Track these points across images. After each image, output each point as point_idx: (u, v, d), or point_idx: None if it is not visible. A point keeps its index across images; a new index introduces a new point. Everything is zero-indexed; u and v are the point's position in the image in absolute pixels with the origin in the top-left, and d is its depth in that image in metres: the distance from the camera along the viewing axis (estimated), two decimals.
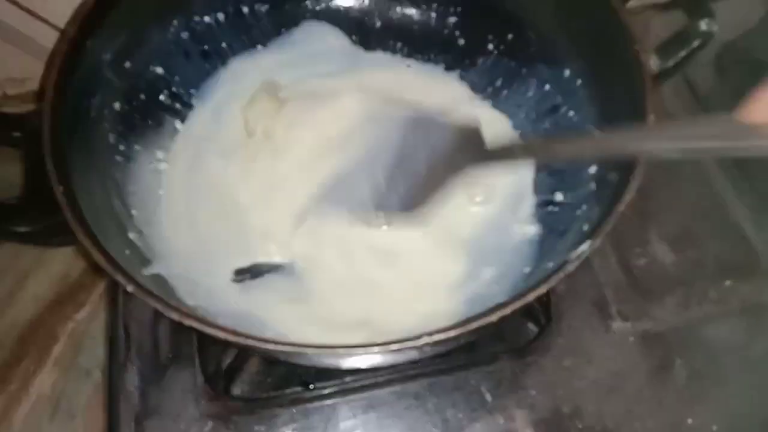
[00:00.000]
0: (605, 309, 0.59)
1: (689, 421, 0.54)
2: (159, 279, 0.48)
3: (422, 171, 0.52)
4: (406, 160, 0.53)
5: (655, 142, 0.41)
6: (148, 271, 0.47)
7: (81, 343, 0.68)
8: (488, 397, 0.55)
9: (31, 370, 0.66)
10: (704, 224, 0.64)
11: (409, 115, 0.55)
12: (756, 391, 0.55)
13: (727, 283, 0.60)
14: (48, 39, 0.65)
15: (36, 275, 0.71)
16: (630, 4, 0.52)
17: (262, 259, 0.55)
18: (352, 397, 0.54)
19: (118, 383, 0.55)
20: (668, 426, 0.54)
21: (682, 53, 0.49)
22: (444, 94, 0.63)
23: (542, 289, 0.40)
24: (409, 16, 0.65)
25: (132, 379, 0.55)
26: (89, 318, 0.69)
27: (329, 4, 0.65)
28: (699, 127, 0.39)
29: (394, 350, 0.38)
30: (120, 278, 0.39)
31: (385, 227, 0.55)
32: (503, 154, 0.51)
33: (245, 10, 0.61)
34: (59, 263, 0.71)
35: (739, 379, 0.56)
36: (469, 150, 0.51)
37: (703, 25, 0.49)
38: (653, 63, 0.48)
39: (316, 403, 0.54)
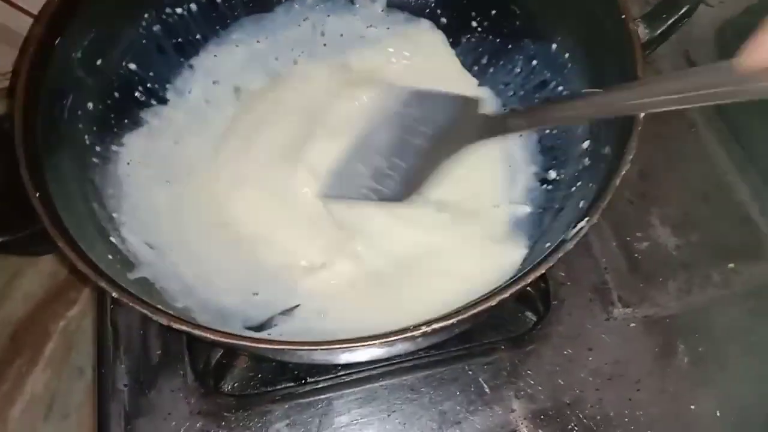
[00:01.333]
0: (606, 295, 0.58)
1: (692, 407, 0.53)
2: (145, 281, 0.47)
3: (424, 147, 0.51)
4: (406, 136, 0.52)
5: (653, 95, 0.40)
6: (133, 275, 0.46)
7: (73, 341, 0.67)
8: (486, 388, 0.54)
9: (24, 370, 0.65)
10: (707, 207, 0.62)
11: (408, 90, 0.54)
12: (760, 376, 0.54)
13: (731, 266, 0.59)
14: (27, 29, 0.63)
15: (26, 274, 0.70)
16: None
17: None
18: (346, 390, 0.53)
19: (108, 382, 0.54)
20: (671, 413, 0.53)
21: (671, 20, 0.48)
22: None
23: (541, 269, 0.39)
24: None
25: (121, 378, 0.54)
26: (81, 315, 0.68)
27: None
28: (696, 78, 0.39)
29: (395, 341, 0.37)
30: (104, 285, 0.38)
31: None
32: (503, 122, 0.50)
33: None
34: (49, 261, 0.70)
35: (743, 363, 0.55)
36: (470, 122, 0.51)
37: None
38: (641, 31, 0.47)
39: (310, 398, 0.53)
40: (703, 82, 0.38)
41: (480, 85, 0.62)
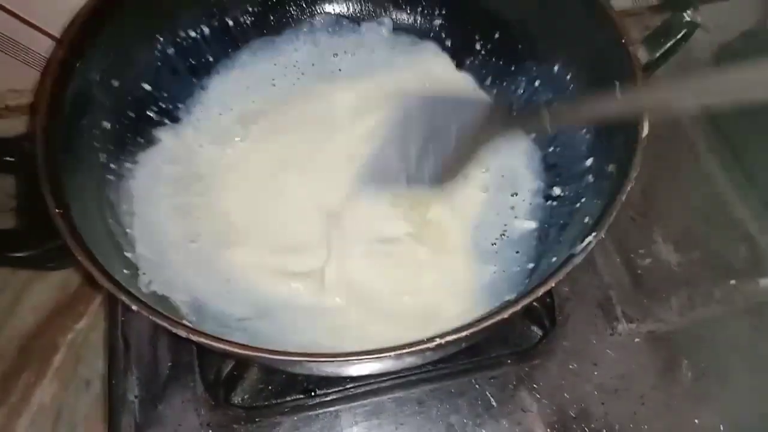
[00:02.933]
0: (610, 311, 0.59)
1: (696, 421, 0.54)
2: (158, 295, 0.48)
3: (451, 143, 0.53)
4: (435, 134, 0.54)
5: (679, 94, 0.40)
6: (147, 289, 0.47)
7: (81, 354, 0.67)
8: (493, 401, 0.54)
9: (31, 382, 0.66)
10: (708, 224, 0.63)
11: (437, 95, 0.56)
12: (762, 390, 0.55)
13: (732, 282, 0.60)
14: (48, 50, 0.65)
15: (35, 286, 0.70)
16: (620, 6, 0.52)
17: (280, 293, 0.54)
18: (354, 403, 0.54)
19: (118, 393, 0.55)
20: (675, 427, 0.54)
21: (668, 43, 0.50)
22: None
23: (551, 283, 0.40)
24: (396, 21, 0.65)
25: (132, 389, 0.55)
26: (89, 328, 0.68)
27: (315, 10, 0.65)
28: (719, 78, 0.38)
29: (407, 354, 0.38)
30: (124, 298, 0.39)
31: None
32: (528, 120, 0.51)
33: (230, 22, 0.61)
34: (58, 274, 0.70)
35: (745, 378, 0.56)
36: (495, 119, 0.52)
37: (687, 15, 0.49)
38: (641, 54, 0.48)
39: (319, 411, 0.54)
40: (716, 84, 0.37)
41: None
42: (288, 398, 0.54)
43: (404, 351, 0.38)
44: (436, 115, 0.54)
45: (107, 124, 0.53)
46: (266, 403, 0.54)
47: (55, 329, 0.68)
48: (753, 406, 0.54)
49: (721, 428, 0.53)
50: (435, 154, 0.53)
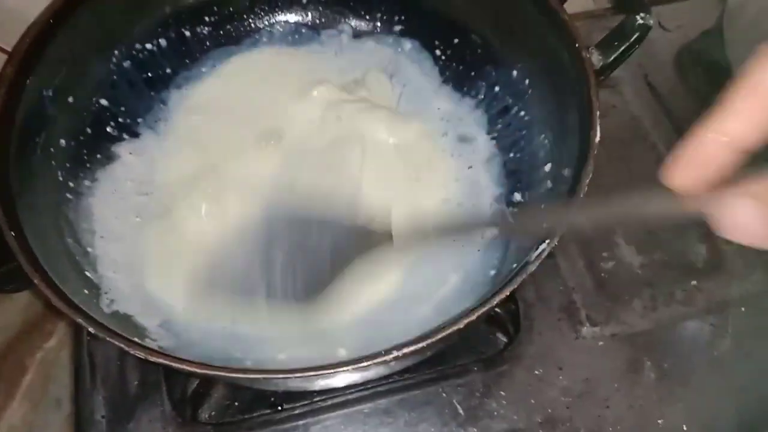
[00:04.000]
0: (574, 315, 0.59)
1: (660, 422, 0.55)
2: (120, 314, 0.48)
3: (323, 262, 0.48)
4: (305, 252, 0.49)
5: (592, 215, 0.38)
6: (109, 309, 0.47)
7: (50, 373, 0.67)
8: (460, 409, 0.55)
9: (0, 403, 0.65)
10: (669, 225, 0.64)
11: (313, 215, 0.50)
12: (724, 389, 0.56)
13: (693, 282, 0.61)
14: None
15: (1, 307, 0.69)
16: (571, 10, 0.53)
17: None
18: (322, 416, 0.54)
19: (85, 414, 0.54)
20: (640, 428, 0.55)
21: (622, 47, 0.50)
22: None
23: (506, 292, 0.40)
24: (355, 28, 0.66)
25: (99, 409, 0.54)
26: (58, 347, 0.68)
27: (272, 20, 0.65)
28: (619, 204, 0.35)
29: (367, 366, 0.38)
30: (80, 320, 0.39)
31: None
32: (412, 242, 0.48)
33: (187, 33, 0.61)
34: (25, 293, 0.70)
35: (708, 377, 0.56)
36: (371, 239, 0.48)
37: (639, 18, 0.50)
38: (595, 59, 0.49)
39: (287, 425, 0.54)
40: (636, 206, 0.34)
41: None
42: (255, 414, 0.54)
43: (362, 364, 0.38)
44: (309, 228, 0.49)
45: (63, 142, 0.52)
46: (233, 419, 0.54)
47: (24, 349, 0.68)
48: (715, 405, 0.55)
49: (685, 428, 0.54)
50: (303, 272, 0.48)
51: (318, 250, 0.48)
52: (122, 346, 0.38)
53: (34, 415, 0.65)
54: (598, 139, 0.44)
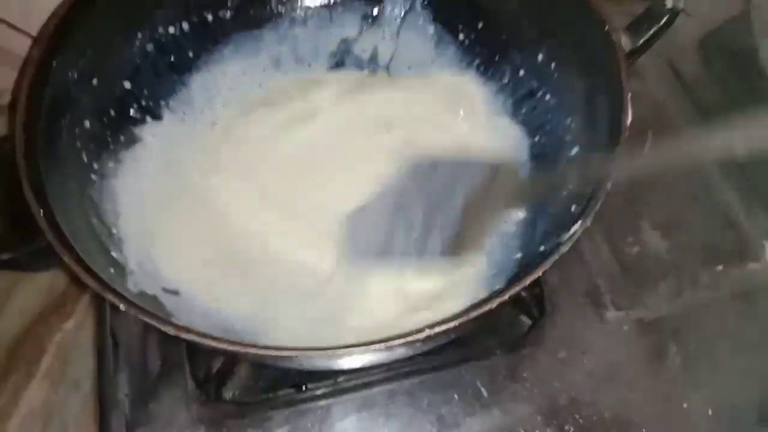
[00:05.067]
0: (599, 299, 0.59)
1: (685, 406, 0.54)
2: (146, 294, 0.48)
3: (459, 213, 0.51)
4: (442, 201, 0.51)
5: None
6: (136, 288, 0.47)
7: (70, 354, 0.67)
8: (484, 392, 0.55)
9: (20, 384, 0.65)
10: (695, 210, 0.64)
11: (442, 156, 0.53)
12: (749, 374, 0.55)
13: (719, 268, 0.60)
14: (25, 49, 0.64)
15: (22, 288, 0.69)
16: None
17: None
18: (345, 397, 0.54)
19: (108, 392, 0.55)
20: (664, 412, 0.54)
21: (652, 30, 0.50)
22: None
23: (538, 272, 0.40)
24: (377, 12, 0.65)
25: (122, 388, 0.55)
26: (77, 328, 0.68)
27: (295, 4, 0.64)
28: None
29: (397, 346, 0.38)
30: (111, 297, 0.39)
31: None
32: (539, 188, 0.50)
33: (209, 17, 0.61)
34: (44, 275, 0.70)
35: (733, 362, 0.56)
36: (507, 188, 0.50)
37: (669, 2, 0.49)
38: (624, 42, 0.49)
39: (310, 404, 0.54)
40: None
41: None
42: (279, 393, 0.54)
43: (394, 343, 0.38)
44: (438, 178, 0.51)
45: (88, 124, 0.52)
46: (257, 398, 0.54)
47: (43, 331, 0.68)
48: (740, 389, 0.55)
49: (710, 412, 0.54)
50: (443, 227, 0.50)
51: (452, 199, 0.50)
52: (154, 323, 0.38)
53: (53, 395, 0.65)
54: (629, 121, 0.44)
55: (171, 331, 0.38)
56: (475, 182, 0.50)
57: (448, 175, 0.50)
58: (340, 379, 0.54)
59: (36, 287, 0.70)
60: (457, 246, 0.49)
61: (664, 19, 0.50)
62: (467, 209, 0.49)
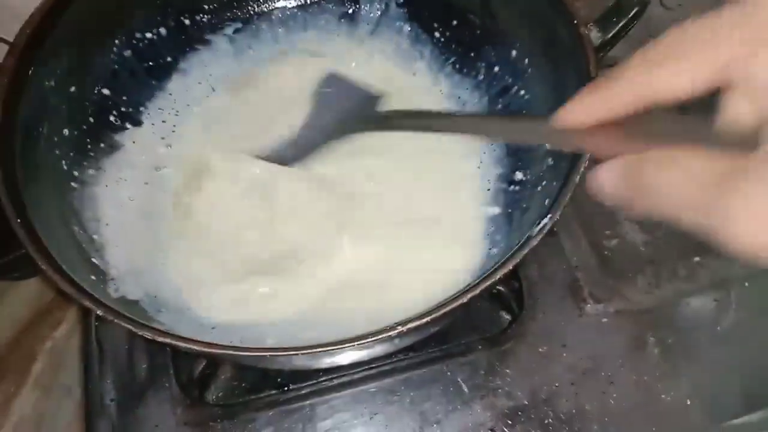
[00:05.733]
0: (578, 292, 0.60)
1: (664, 396, 0.55)
2: (127, 300, 0.48)
3: (327, 126, 0.55)
4: (319, 112, 0.55)
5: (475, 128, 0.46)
6: (117, 294, 0.48)
7: (60, 361, 0.68)
8: (465, 387, 0.55)
9: (11, 392, 0.66)
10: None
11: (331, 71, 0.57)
12: (728, 365, 0.56)
13: (696, 259, 0.61)
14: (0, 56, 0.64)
15: (10, 296, 0.70)
16: None
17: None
18: (328, 396, 0.55)
19: (95, 398, 0.55)
20: (644, 404, 0.55)
21: (621, 23, 0.50)
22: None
23: (509, 266, 0.40)
24: (353, 12, 0.66)
25: (108, 393, 0.55)
26: (68, 335, 0.69)
27: (272, 6, 0.65)
28: (521, 124, 0.43)
29: (372, 343, 0.38)
30: (88, 304, 0.39)
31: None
32: (387, 121, 0.52)
33: (186, 21, 0.61)
34: (33, 283, 0.70)
35: (712, 353, 0.57)
36: (363, 113, 0.54)
37: None
38: (594, 35, 0.49)
39: (294, 405, 0.54)
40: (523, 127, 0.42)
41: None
42: (262, 394, 0.55)
43: (367, 341, 0.38)
44: (327, 92, 0.55)
45: (66, 132, 0.52)
46: (241, 399, 0.55)
47: (34, 338, 0.68)
48: (719, 380, 0.55)
49: (688, 402, 0.55)
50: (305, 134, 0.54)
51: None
52: (130, 327, 0.39)
53: (44, 402, 0.66)
54: None
55: (147, 334, 0.38)
56: (346, 102, 0.54)
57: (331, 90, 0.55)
58: (323, 378, 0.55)
59: (25, 295, 0.70)
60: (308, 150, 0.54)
61: (633, 11, 0.51)
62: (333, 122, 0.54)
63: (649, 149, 0.28)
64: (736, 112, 0.28)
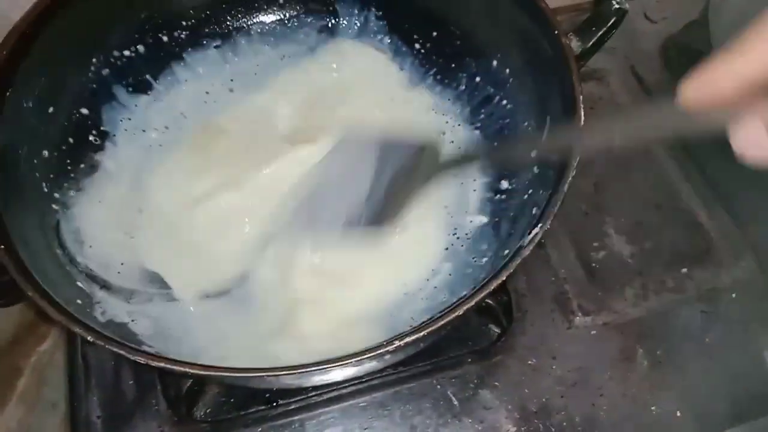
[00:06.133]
0: (566, 305, 0.60)
1: (653, 409, 0.55)
2: (114, 322, 0.48)
3: (390, 188, 0.51)
4: (377, 179, 0.51)
5: (592, 137, 0.42)
6: (104, 317, 0.47)
7: (45, 376, 0.67)
8: (455, 401, 0.55)
9: None
10: (659, 215, 0.65)
11: (379, 137, 0.52)
12: (716, 375, 0.56)
13: (683, 270, 0.61)
14: None
15: None
16: (556, 4, 0.53)
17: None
18: (317, 411, 0.54)
19: (81, 415, 0.55)
20: (633, 416, 0.55)
21: (600, 32, 0.51)
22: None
23: (502, 276, 0.40)
24: (333, 25, 0.65)
25: (94, 410, 0.55)
26: (52, 349, 0.68)
27: (250, 22, 0.65)
28: (633, 119, 0.38)
29: (365, 359, 0.38)
30: (78, 330, 0.39)
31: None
32: (456, 163, 0.50)
33: (164, 38, 0.60)
34: None
35: (700, 364, 0.57)
36: (428, 163, 0.50)
37: (615, 3, 0.50)
38: (574, 44, 0.50)
39: (283, 420, 0.54)
40: (648, 121, 0.37)
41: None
42: (251, 410, 0.54)
43: (365, 356, 0.38)
44: (378, 155, 0.51)
45: (46, 153, 0.52)
46: (229, 416, 0.54)
47: (18, 352, 0.67)
48: (707, 390, 0.56)
49: (678, 414, 0.55)
50: (375, 198, 0.50)
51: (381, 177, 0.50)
52: (122, 353, 0.38)
53: (30, 418, 0.64)
54: (582, 123, 0.45)
55: (141, 359, 0.38)
56: (401, 161, 0.50)
57: (379, 153, 0.51)
58: (312, 393, 0.55)
59: (10, 309, 0.69)
60: (379, 220, 0.50)
61: (612, 20, 0.51)
62: (392, 186, 0.50)
63: None
64: None
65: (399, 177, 0.50)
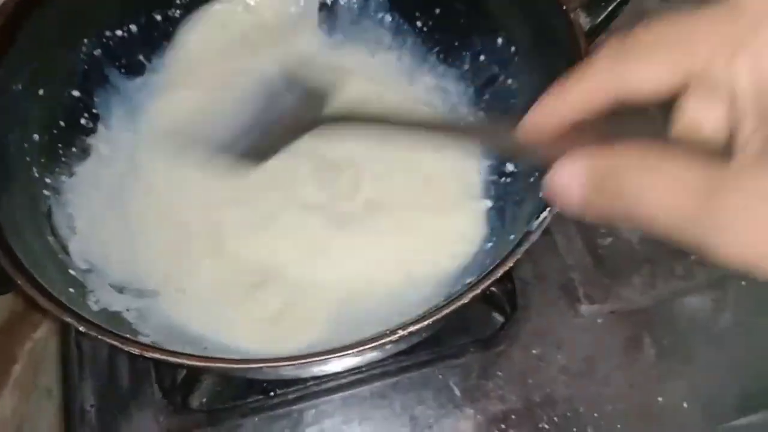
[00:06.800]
0: (572, 292, 0.58)
1: (660, 399, 0.54)
2: (108, 311, 0.46)
3: (271, 127, 0.50)
4: (262, 114, 0.50)
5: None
6: (97, 306, 0.46)
7: (40, 363, 0.66)
8: (457, 391, 0.54)
9: None
10: None
11: (273, 71, 0.52)
12: (725, 365, 0.55)
13: (693, 258, 0.60)
14: None
15: None
16: None
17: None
18: (316, 401, 0.53)
19: (74, 403, 0.54)
20: (639, 406, 0.54)
21: (609, 7, 0.49)
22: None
23: (510, 262, 0.39)
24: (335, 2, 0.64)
25: (88, 399, 0.54)
26: (47, 336, 0.67)
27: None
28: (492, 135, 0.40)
29: (371, 349, 0.37)
30: (70, 320, 0.38)
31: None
32: (342, 119, 0.47)
33: (158, 17, 0.59)
34: None
35: (708, 354, 0.55)
36: (312, 111, 0.48)
37: None
38: (582, 20, 0.48)
39: (280, 410, 0.53)
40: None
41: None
42: (248, 399, 0.53)
43: (367, 346, 0.37)
44: (270, 91, 0.51)
45: (37, 136, 0.50)
46: (225, 405, 0.54)
47: (13, 340, 0.67)
48: (716, 381, 0.54)
49: (685, 405, 0.54)
50: (254, 133, 0.49)
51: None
52: (116, 344, 0.37)
53: (24, 405, 0.64)
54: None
55: (135, 350, 0.37)
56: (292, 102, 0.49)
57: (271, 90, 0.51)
58: (311, 383, 0.53)
59: (1, 297, 0.69)
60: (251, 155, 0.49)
61: None
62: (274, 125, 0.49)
63: (626, 152, 0.25)
64: (701, 116, 0.27)
65: (283, 119, 0.49)
